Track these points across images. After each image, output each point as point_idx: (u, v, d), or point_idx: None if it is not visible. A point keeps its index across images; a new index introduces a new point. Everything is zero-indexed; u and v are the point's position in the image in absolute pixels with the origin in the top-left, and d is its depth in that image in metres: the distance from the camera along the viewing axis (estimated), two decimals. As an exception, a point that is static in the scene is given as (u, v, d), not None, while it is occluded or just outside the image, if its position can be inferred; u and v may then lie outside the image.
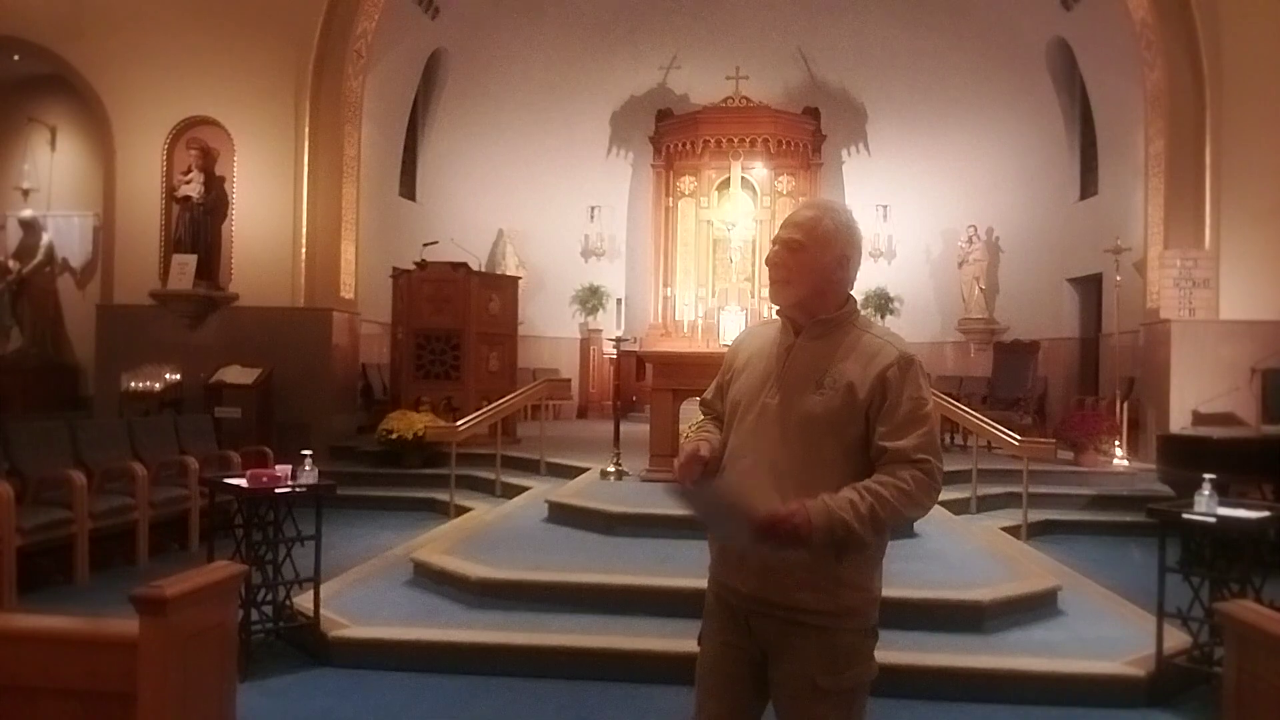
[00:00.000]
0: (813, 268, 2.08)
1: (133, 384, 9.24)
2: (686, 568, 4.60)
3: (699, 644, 2.22)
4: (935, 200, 13.53)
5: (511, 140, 13.50)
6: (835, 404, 2.02)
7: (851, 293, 2.16)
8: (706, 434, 2.27)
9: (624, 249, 14.41)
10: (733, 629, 2.12)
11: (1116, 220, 10.57)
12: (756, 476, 2.05)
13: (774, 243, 2.14)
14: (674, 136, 13.55)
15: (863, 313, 2.17)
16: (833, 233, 2.10)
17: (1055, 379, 11.99)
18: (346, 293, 10.00)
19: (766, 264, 2.14)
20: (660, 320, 13.61)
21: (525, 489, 7.69)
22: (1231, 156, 8.69)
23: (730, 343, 2.42)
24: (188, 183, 9.65)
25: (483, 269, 12.18)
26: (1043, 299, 12.52)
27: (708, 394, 2.36)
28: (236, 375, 9.15)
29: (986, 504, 7.70)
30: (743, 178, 13.35)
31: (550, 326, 13.93)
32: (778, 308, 2.16)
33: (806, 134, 13.43)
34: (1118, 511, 7.70)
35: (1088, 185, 12.02)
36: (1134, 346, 9.70)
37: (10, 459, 5.86)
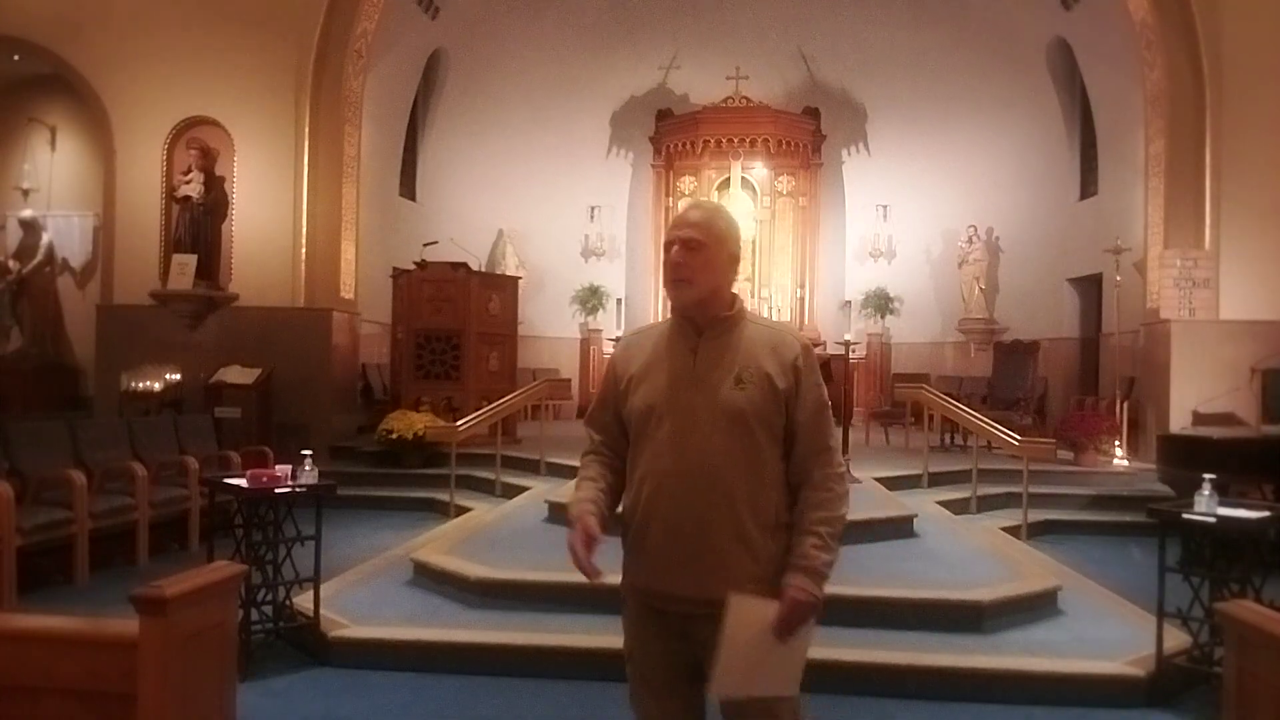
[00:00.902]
0: (712, 266, 2.13)
1: (133, 384, 9.24)
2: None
3: (627, 654, 2.21)
4: (935, 200, 13.52)
5: (511, 140, 13.50)
6: (758, 397, 2.08)
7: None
8: (591, 492, 2.20)
9: (624, 249, 14.40)
10: (667, 635, 2.14)
11: (1116, 220, 10.57)
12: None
13: (672, 243, 2.15)
14: (674, 136, 13.55)
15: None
16: (725, 231, 2.16)
17: (1055, 379, 11.98)
18: (346, 293, 10.00)
19: (668, 265, 2.16)
20: (660, 320, 13.59)
21: (525, 489, 7.68)
22: (1231, 156, 8.69)
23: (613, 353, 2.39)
24: (188, 183, 9.64)
25: (483, 269, 12.17)
26: (1043, 299, 12.52)
27: (595, 411, 2.31)
28: (236, 375, 9.15)
29: (986, 504, 7.70)
30: (743, 178, 13.34)
31: (550, 326, 13.92)
32: (679, 307, 2.18)
33: (806, 134, 13.42)
34: (1118, 511, 7.70)
35: (1088, 185, 12.02)
36: (1134, 346, 9.69)
37: (10, 459, 5.86)
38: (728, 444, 2.07)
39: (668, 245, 2.17)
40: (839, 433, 2.18)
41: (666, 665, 2.15)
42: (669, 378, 2.14)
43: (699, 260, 2.12)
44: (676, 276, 2.13)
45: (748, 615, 2.01)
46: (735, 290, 2.23)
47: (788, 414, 2.10)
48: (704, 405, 2.09)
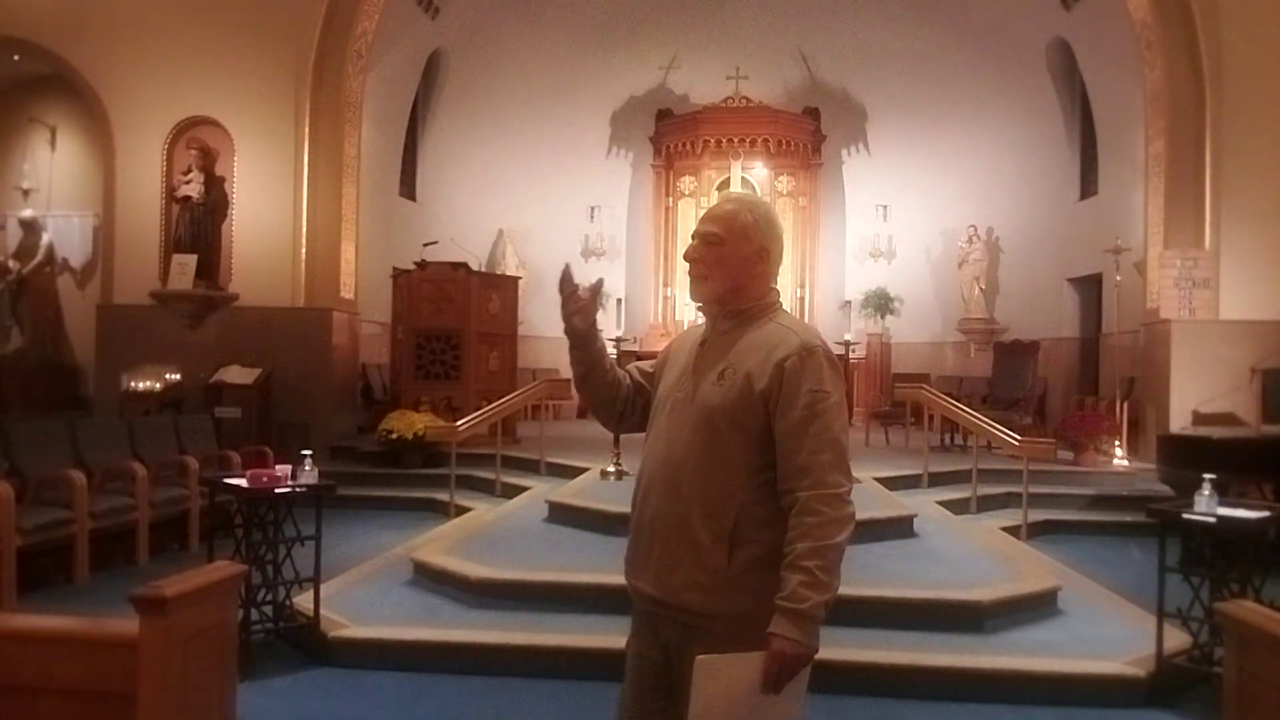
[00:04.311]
0: (731, 262, 2.05)
1: (133, 384, 9.24)
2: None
3: (626, 645, 2.17)
4: (935, 200, 13.53)
5: (511, 140, 13.50)
6: (733, 394, 1.97)
7: (775, 285, 2.13)
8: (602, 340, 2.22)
9: (624, 249, 14.40)
10: (643, 633, 2.10)
11: (1116, 220, 10.57)
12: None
13: (693, 237, 2.11)
14: (674, 136, 13.55)
15: (786, 307, 2.15)
16: (751, 226, 2.06)
17: (1055, 379, 11.98)
18: (346, 293, 10.00)
19: (685, 259, 2.11)
20: (660, 320, 13.61)
21: (525, 489, 7.68)
22: (1231, 156, 8.68)
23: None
24: (188, 183, 9.65)
25: (483, 269, 12.18)
26: (1043, 299, 12.52)
27: (637, 363, 2.31)
28: (236, 375, 9.15)
29: (986, 504, 7.70)
30: (743, 178, 13.33)
31: (550, 327, 13.86)
32: (698, 302, 2.13)
33: (806, 134, 13.42)
34: (1118, 511, 7.69)
35: (1088, 185, 12.02)
36: (1134, 346, 9.69)
37: (10, 459, 5.86)
38: (696, 442, 1.98)
39: (691, 238, 2.13)
40: (844, 445, 1.96)
41: (636, 668, 2.10)
42: (678, 372, 2.11)
43: (716, 255, 2.05)
44: (693, 272, 2.09)
45: (721, 677, 1.83)
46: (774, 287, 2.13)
47: (770, 419, 1.95)
48: (688, 400, 2.03)
